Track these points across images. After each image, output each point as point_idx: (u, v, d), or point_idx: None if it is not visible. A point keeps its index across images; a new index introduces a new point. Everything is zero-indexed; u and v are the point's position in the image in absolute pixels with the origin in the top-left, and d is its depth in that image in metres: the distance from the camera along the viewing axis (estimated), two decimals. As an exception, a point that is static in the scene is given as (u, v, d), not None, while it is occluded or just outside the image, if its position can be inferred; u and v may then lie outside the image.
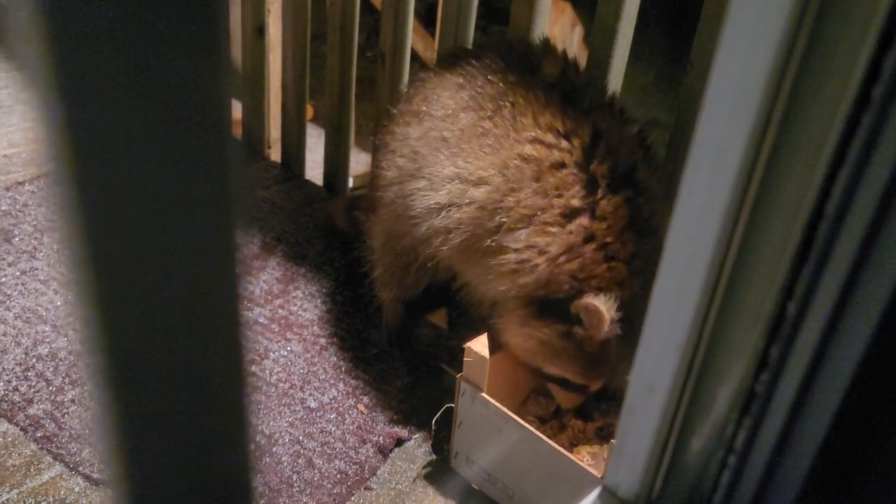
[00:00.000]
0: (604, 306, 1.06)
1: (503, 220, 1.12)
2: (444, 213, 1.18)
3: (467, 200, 1.16)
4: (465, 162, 1.17)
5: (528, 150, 1.13)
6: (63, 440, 1.25)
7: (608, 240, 1.09)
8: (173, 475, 0.31)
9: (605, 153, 1.12)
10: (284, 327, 1.54)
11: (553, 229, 1.09)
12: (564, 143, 1.12)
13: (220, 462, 0.31)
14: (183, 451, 0.31)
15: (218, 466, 0.32)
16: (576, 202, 1.09)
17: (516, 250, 1.11)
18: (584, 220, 1.09)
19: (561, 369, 1.16)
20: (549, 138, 1.13)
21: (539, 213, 1.10)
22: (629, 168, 1.13)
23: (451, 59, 1.38)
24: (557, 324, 1.11)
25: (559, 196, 1.10)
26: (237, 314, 0.30)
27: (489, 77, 1.23)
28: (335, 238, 1.75)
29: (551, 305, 1.11)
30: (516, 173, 1.12)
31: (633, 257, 1.10)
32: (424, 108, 1.29)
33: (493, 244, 1.14)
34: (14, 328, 1.44)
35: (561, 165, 1.11)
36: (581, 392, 1.20)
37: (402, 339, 1.53)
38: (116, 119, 0.26)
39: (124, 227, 0.27)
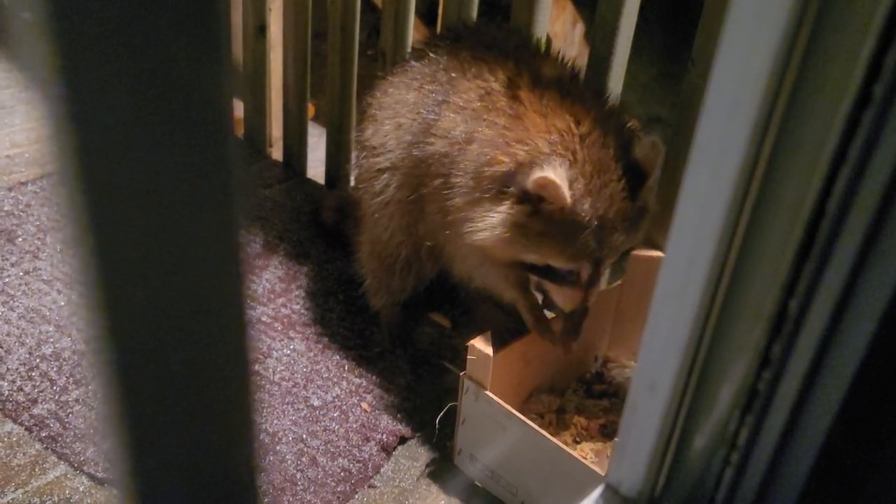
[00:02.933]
0: (553, 173, 1.06)
1: (454, 158, 1.19)
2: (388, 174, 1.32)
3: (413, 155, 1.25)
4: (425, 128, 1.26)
5: (463, 98, 1.21)
6: (68, 440, 1.25)
7: (536, 109, 1.15)
8: (178, 474, 0.31)
9: (528, 75, 1.20)
10: (287, 326, 1.54)
11: (489, 131, 1.16)
12: (490, 78, 1.21)
13: (225, 460, 0.32)
14: (187, 449, 0.31)
15: (222, 465, 0.32)
16: (502, 105, 1.17)
17: (470, 161, 1.16)
18: (512, 111, 1.16)
19: (541, 253, 1.13)
20: (478, 82, 1.22)
21: (477, 131, 1.17)
22: (553, 79, 1.20)
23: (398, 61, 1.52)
24: (523, 203, 1.11)
25: (490, 111, 1.18)
26: (241, 313, 0.30)
27: (423, 58, 1.34)
28: (335, 236, 1.75)
29: (509, 183, 1.12)
30: (451, 125, 1.21)
31: (571, 121, 1.14)
32: (376, 108, 1.38)
33: (446, 180, 1.19)
34: (18, 328, 1.44)
35: (488, 93, 1.20)
36: (577, 286, 1.17)
37: (404, 338, 1.54)
38: (119, 119, 0.26)
39: (128, 228, 0.27)
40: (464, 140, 1.17)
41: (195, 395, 0.30)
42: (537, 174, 1.06)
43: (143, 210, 0.27)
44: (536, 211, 1.10)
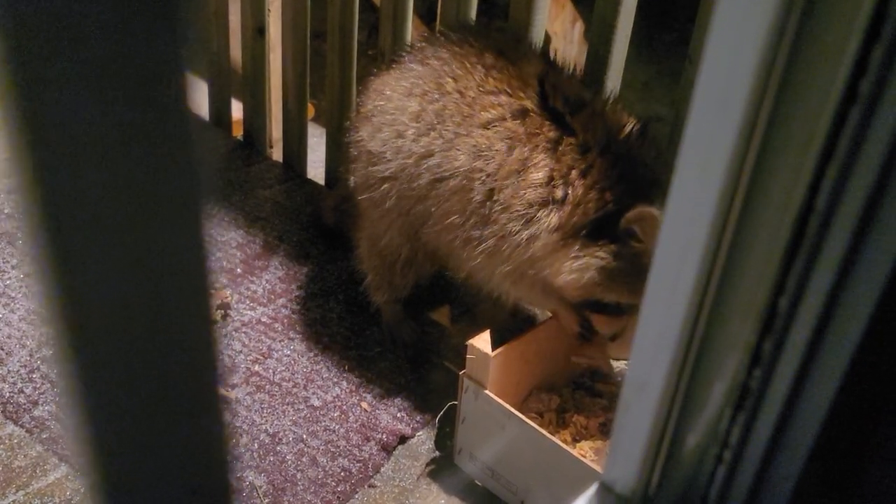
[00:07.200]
0: (657, 212, 1.05)
1: (492, 187, 1.16)
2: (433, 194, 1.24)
3: (447, 187, 1.20)
4: (436, 147, 1.22)
5: (487, 115, 1.18)
6: (69, 441, 1.25)
7: (602, 139, 1.14)
8: (146, 471, 0.30)
9: (553, 91, 1.18)
10: (287, 326, 1.54)
11: (547, 160, 1.13)
12: (520, 94, 1.18)
13: (194, 456, 0.31)
14: (155, 447, 0.31)
15: (191, 461, 0.31)
16: (552, 133, 1.14)
17: (525, 203, 1.13)
18: (569, 140, 1.14)
19: (618, 293, 1.13)
20: (502, 98, 1.19)
21: (525, 161, 1.14)
22: (579, 99, 1.19)
23: (392, 59, 1.45)
24: (611, 244, 1.10)
25: (536, 135, 1.14)
26: (206, 300, 0.29)
27: (424, 62, 1.29)
28: (336, 237, 1.75)
29: (601, 226, 1.11)
30: (485, 142, 1.17)
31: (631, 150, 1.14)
32: (372, 111, 1.33)
33: (488, 213, 1.17)
34: (19, 330, 1.45)
35: (522, 112, 1.17)
36: (622, 314, 1.18)
37: (404, 337, 1.54)
38: (69, 95, 0.25)
39: (84, 213, 0.26)
40: (546, 189, 1.14)
41: (162, 389, 0.30)
42: (641, 208, 1.06)
43: (99, 194, 0.26)
44: (623, 250, 1.10)
